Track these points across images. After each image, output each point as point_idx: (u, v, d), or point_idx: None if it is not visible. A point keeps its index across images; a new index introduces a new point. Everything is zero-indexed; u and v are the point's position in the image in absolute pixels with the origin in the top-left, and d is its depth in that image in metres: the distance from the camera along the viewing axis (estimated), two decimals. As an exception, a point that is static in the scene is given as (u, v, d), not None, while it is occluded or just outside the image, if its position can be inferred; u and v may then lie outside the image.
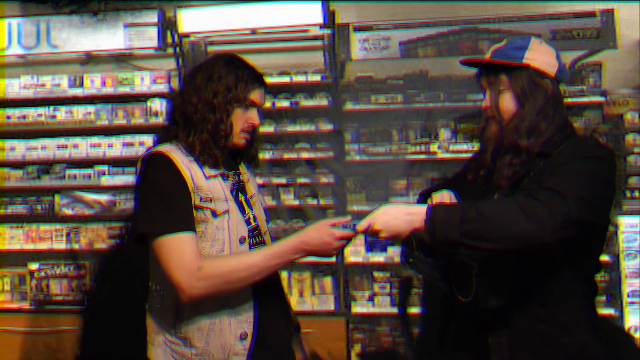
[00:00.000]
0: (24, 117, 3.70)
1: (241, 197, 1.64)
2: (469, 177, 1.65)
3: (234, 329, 1.52)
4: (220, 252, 1.52)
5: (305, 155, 3.43)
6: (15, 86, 3.71)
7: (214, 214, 1.52)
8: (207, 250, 1.51)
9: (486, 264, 1.35)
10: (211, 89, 1.56)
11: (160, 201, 1.47)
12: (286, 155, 3.44)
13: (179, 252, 1.44)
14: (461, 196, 1.61)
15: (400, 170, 3.36)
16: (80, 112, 3.66)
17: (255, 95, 1.61)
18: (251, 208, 1.66)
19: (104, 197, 3.65)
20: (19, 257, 3.71)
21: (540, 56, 1.49)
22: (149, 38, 3.60)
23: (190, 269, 1.43)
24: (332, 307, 3.35)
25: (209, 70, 1.59)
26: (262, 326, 1.56)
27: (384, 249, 3.34)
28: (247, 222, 1.61)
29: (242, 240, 1.56)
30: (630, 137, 3.20)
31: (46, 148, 3.66)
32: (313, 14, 3.38)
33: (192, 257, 1.45)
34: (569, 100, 3.20)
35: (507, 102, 1.50)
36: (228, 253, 1.53)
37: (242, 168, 1.71)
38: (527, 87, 1.47)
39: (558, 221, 1.27)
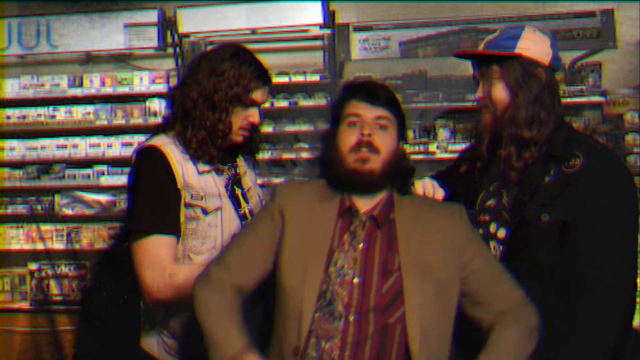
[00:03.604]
0: (24, 117, 3.69)
1: (237, 191, 1.62)
2: (462, 169, 1.65)
3: None
4: (212, 249, 1.52)
5: (304, 155, 3.43)
6: (15, 86, 3.71)
7: (205, 212, 1.51)
8: (198, 247, 1.51)
9: None
10: (212, 84, 1.52)
11: (147, 200, 1.46)
12: (285, 155, 3.43)
13: (155, 255, 1.44)
14: (453, 187, 1.60)
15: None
16: (79, 112, 3.66)
17: (258, 94, 1.57)
18: (247, 202, 1.64)
19: (103, 197, 3.65)
20: (19, 257, 3.71)
21: (533, 45, 1.48)
22: (149, 38, 3.60)
23: (162, 274, 1.43)
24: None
25: (213, 62, 1.55)
26: (251, 320, 1.56)
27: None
28: (243, 217, 1.60)
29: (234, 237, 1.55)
30: (630, 137, 3.19)
31: (46, 148, 3.65)
32: (313, 14, 3.38)
33: (167, 262, 1.44)
34: (569, 100, 3.19)
35: (500, 92, 1.49)
36: (219, 251, 1.51)
37: (240, 161, 1.69)
38: (519, 77, 1.46)
39: (619, 317, 1.35)
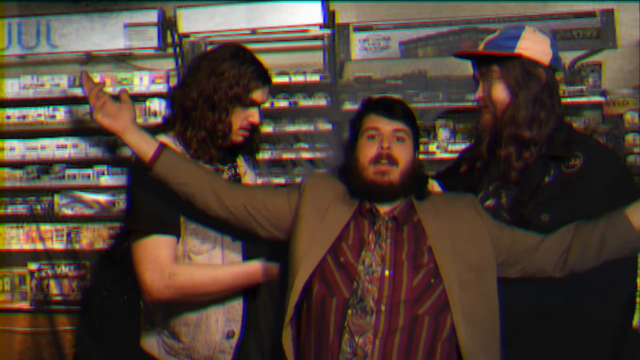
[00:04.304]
0: (24, 117, 3.70)
1: None
2: (462, 169, 1.65)
3: (221, 326, 1.52)
4: (212, 249, 1.52)
5: (304, 155, 3.43)
6: (15, 86, 3.71)
7: None
8: (198, 247, 1.51)
9: None
10: (212, 84, 1.52)
11: (147, 200, 1.46)
12: (285, 155, 3.43)
13: (155, 255, 1.44)
14: (452, 187, 1.61)
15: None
16: (79, 112, 3.66)
17: (258, 94, 1.57)
18: None
19: (103, 197, 3.65)
20: (19, 257, 3.71)
21: (533, 45, 1.48)
22: (149, 38, 3.60)
23: (162, 275, 1.43)
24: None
25: (213, 62, 1.55)
26: (252, 320, 1.57)
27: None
28: None
29: (234, 237, 1.55)
30: (630, 137, 3.19)
31: (46, 148, 3.65)
32: (313, 14, 3.38)
33: (167, 262, 1.44)
34: (569, 100, 3.19)
35: (500, 92, 1.49)
36: (219, 251, 1.53)
37: (240, 161, 1.69)
38: (519, 77, 1.46)
39: (619, 317, 1.37)
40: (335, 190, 1.45)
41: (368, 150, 1.39)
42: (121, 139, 1.38)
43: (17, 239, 3.67)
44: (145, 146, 1.39)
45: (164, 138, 1.55)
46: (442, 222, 1.38)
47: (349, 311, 1.28)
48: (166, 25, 3.62)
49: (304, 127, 3.42)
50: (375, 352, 1.25)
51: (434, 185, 1.62)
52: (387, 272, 1.30)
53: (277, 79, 3.37)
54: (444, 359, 1.28)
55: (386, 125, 1.39)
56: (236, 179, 1.64)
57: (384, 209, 1.39)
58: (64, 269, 3.56)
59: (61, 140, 3.65)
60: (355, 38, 3.38)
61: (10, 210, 3.72)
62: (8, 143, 3.70)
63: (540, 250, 1.35)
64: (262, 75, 1.59)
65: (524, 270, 1.37)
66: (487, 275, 1.34)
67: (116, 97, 1.43)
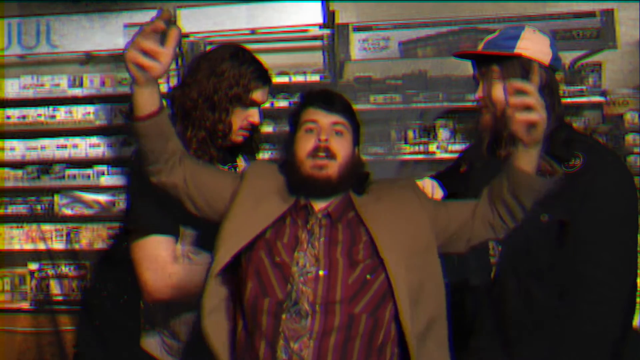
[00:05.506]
0: (24, 117, 3.69)
1: None
2: (462, 169, 1.65)
3: None
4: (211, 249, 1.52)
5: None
6: (15, 86, 3.71)
7: None
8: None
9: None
10: (212, 84, 1.53)
11: (146, 200, 1.46)
12: (285, 155, 3.43)
13: (154, 255, 1.44)
14: (452, 187, 1.61)
15: (398, 170, 3.36)
16: (79, 112, 3.66)
17: (258, 94, 1.58)
18: None
19: (103, 197, 3.65)
20: (19, 257, 3.71)
21: (533, 45, 1.48)
22: (148, 38, 3.60)
23: (162, 274, 1.43)
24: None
25: (213, 62, 1.56)
26: None
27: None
28: None
29: None
30: (630, 137, 3.20)
31: (46, 148, 3.65)
32: (312, 14, 3.39)
33: (167, 262, 1.44)
34: (569, 100, 3.20)
35: (500, 92, 1.49)
36: None
37: (240, 161, 1.70)
38: (519, 77, 1.46)
39: (619, 317, 1.36)
40: (276, 181, 1.40)
41: (306, 143, 1.35)
42: (134, 86, 1.30)
43: (17, 239, 3.67)
44: (147, 104, 1.31)
45: None
46: (382, 208, 1.34)
47: (283, 315, 1.23)
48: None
49: (304, 127, 3.42)
50: (310, 354, 1.20)
51: (434, 186, 1.62)
52: (321, 272, 1.25)
53: (277, 79, 3.37)
54: (383, 356, 1.24)
55: (324, 118, 1.36)
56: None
57: (319, 205, 1.34)
58: (64, 269, 3.56)
59: (61, 140, 3.65)
60: (355, 38, 3.38)
61: (10, 210, 3.73)
62: (8, 143, 3.70)
63: (476, 219, 1.34)
64: (262, 75, 1.59)
65: (471, 242, 1.36)
66: (429, 256, 1.31)
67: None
